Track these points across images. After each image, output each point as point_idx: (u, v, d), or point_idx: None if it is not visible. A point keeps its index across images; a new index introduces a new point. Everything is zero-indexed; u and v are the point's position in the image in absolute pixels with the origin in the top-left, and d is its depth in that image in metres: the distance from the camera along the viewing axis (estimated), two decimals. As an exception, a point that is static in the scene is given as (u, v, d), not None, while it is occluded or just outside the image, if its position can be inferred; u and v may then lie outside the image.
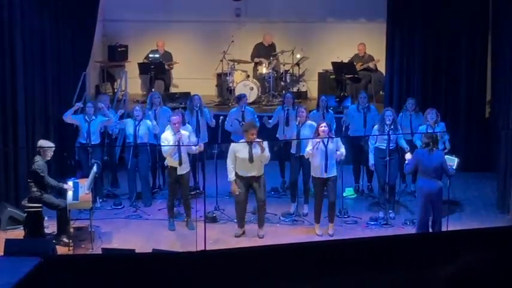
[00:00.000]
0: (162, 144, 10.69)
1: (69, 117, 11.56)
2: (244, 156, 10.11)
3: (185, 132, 10.70)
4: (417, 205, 9.90)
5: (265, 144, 10.25)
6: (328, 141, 10.16)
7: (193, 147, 10.66)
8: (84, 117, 11.48)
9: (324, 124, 10.32)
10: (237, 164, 10.19)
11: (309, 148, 10.25)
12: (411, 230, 10.39)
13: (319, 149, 10.14)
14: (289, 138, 11.16)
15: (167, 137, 10.61)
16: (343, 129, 12.07)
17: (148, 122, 11.49)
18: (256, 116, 12.09)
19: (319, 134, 10.23)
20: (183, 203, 10.77)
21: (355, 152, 12.00)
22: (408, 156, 10.15)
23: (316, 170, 10.27)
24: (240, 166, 10.18)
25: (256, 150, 10.09)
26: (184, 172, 10.60)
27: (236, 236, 10.37)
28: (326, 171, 10.19)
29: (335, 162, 10.29)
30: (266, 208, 10.55)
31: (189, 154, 10.68)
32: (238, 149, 10.19)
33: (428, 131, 10.68)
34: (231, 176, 10.20)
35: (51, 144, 10.23)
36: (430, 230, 9.62)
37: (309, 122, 10.98)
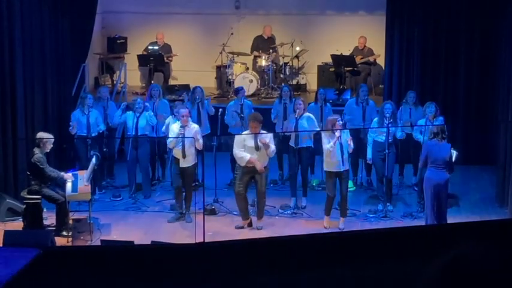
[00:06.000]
0: (169, 135, 10.71)
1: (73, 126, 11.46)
2: (251, 145, 10.14)
3: (195, 126, 10.69)
4: (425, 197, 9.80)
5: (270, 136, 10.28)
6: (341, 135, 10.20)
7: (198, 143, 10.58)
8: (82, 110, 11.46)
9: (339, 118, 10.42)
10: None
11: (329, 145, 10.19)
12: (410, 222, 10.41)
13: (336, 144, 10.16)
14: (288, 131, 11.15)
15: (173, 129, 10.60)
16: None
17: (149, 112, 11.49)
18: (252, 109, 12.13)
19: (331, 128, 10.21)
20: (185, 196, 10.76)
21: (354, 145, 12.00)
22: None
23: (333, 164, 10.25)
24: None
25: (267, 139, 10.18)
26: (188, 165, 10.57)
27: (238, 228, 10.38)
28: (343, 164, 10.23)
29: (348, 155, 10.36)
30: (265, 200, 10.55)
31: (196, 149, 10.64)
32: (245, 138, 10.25)
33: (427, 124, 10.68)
34: (246, 157, 10.12)
35: (51, 136, 10.21)
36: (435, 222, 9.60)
37: (307, 114, 10.99)
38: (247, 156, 10.13)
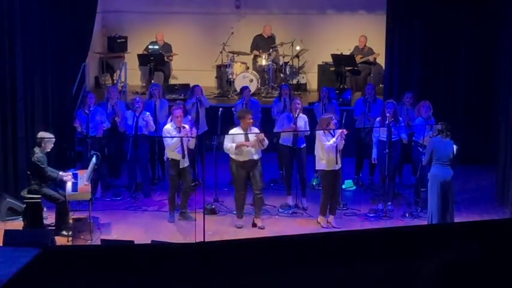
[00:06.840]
0: (165, 137, 10.66)
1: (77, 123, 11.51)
2: (242, 140, 10.15)
3: (186, 126, 10.69)
4: (430, 195, 9.72)
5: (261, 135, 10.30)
6: (335, 134, 10.21)
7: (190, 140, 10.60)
8: (83, 109, 11.46)
9: (334, 117, 10.42)
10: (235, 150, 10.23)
11: (331, 141, 10.15)
12: (410, 222, 10.41)
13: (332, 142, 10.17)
14: (287, 130, 11.13)
15: (169, 131, 10.56)
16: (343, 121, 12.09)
17: (147, 113, 11.47)
18: (260, 108, 12.12)
19: (326, 127, 10.21)
20: (183, 195, 10.75)
21: (357, 145, 12.02)
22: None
23: (329, 163, 10.26)
24: (239, 151, 10.21)
25: (252, 135, 10.18)
26: (187, 165, 10.60)
27: (238, 227, 10.38)
28: (337, 162, 10.24)
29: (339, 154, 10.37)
30: (263, 197, 10.54)
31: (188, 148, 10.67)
32: (235, 135, 10.25)
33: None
34: (233, 145, 10.13)
35: (51, 136, 10.21)
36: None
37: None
38: (233, 145, 10.14)
